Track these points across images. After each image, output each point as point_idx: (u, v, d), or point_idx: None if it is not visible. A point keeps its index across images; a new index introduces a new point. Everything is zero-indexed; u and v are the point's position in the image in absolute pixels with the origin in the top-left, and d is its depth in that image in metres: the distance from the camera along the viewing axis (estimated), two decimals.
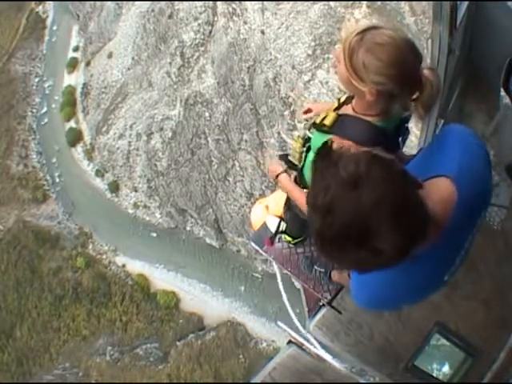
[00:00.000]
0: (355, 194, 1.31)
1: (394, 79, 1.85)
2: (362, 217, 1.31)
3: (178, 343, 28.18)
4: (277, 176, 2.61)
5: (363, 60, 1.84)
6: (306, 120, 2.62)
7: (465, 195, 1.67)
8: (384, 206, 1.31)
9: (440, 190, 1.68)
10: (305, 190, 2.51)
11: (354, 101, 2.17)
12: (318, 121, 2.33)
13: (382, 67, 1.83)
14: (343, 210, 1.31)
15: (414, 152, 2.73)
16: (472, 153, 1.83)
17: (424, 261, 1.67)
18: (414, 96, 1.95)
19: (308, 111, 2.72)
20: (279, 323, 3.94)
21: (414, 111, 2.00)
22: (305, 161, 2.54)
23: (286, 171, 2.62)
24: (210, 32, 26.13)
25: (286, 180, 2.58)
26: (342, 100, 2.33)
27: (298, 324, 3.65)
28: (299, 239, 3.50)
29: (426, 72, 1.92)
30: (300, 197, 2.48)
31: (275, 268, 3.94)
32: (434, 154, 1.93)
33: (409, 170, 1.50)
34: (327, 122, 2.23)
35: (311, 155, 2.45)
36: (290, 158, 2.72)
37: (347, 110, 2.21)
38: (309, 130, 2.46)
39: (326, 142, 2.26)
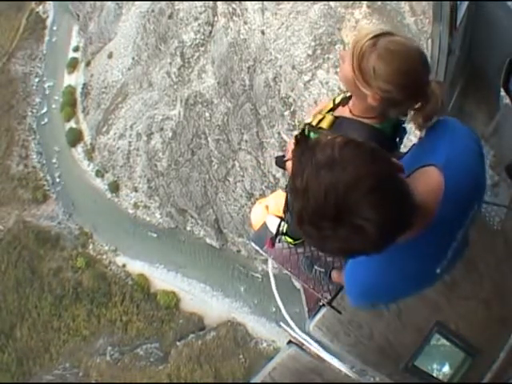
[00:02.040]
0: (329, 174, 1.34)
1: (402, 88, 1.84)
2: (336, 195, 1.32)
3: (178, 343, 28.20)
4: (286, 160, 2.55)
5: (374, 66, 1.82)
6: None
7: (453, 184, 1.68)
8: (359, 185, 1.33)
9: (427, 179, 1.69)
10: None
11: (351, 102, 2.15)
12: (314, 123, 2.31)
13: (392, 76, 1.81)
14: (317, 190, 1.33)
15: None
16: (462, 143, 1.84)
17: (414, 249, 1.68)
18: (417, 106, 1.94)
19: None
20: (281, 324, 3.95)
21: (413, 120, 1.99)
22: None
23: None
24: (210, 32, 26.14)
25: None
26: (338, 101, 2.31)
27: (292, 324, 3.66)
28: (300, 240, 3.51)
29: (433, 84, 1.91)
30: None
31: (269, 268, 3.94)
32: (425, 145, 1.94)
33: (401, 160, 1.51)
34: (324, 124, 2.22)
35: None
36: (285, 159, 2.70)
37: (344, 112, 2.20)
38: (303, 130, 2.45)
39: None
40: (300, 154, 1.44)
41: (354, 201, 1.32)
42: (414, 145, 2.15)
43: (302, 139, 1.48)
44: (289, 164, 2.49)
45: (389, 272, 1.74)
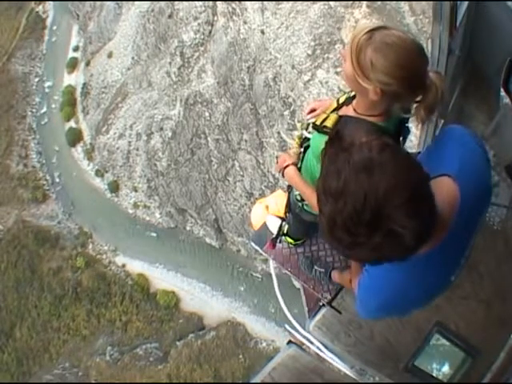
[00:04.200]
0: (368, 178, 1.30)
1: (401, 80, 1.84)
2: (376, 200, 1.29)
3: (177, 343, 28.20)
4: (285, 167, 2.53)
5: (371, 59, 1.83)
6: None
7: (467, 193, 1.68)
8: (399, 191, 1.30)
9: (443, 189, 1.68)
10: None
11: (355, 101, 2.16)
12: (318, 122, 2.31)
13: (390, 67, 1.82)
14: (356, 194, 1.30)
15: (413, 151, 2.72)
16: (471, 151, 1.84)
17: (432, 260, 1.67)
18: (418, 98, 1.94)
19: (312, 111, 2.61)
20: (286, 326, 3.96)
21: (415, 114, 1.99)
22: (302, 161, 2.51)
23: (294, 163, 2.54)
24: (210, 32, 26.13)
25: (294, 172, 2.51)
26: (342, 101, 2.32)
27: (296, 324, 3.66)
28: (300, 241, 3.51)
29: (432, 75, 1.91)
30: (307, 189, 2.41)
31: (271, 268, 3.94)
32: (434, 155, 1.93)
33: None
34: (329, 123, 2.21)
35: (309, 155, 2.43)
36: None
37: (348, 111, 2.19)
38: (306, 129, 2.44)
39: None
40: (334, 154, 1.40)
41: (392, 207, 1.29)
42: (419, 152, 2.14)
43: (337, 138, 1.45)
44: (289, 171, 2.51)
45: (409, 285, 1.74)
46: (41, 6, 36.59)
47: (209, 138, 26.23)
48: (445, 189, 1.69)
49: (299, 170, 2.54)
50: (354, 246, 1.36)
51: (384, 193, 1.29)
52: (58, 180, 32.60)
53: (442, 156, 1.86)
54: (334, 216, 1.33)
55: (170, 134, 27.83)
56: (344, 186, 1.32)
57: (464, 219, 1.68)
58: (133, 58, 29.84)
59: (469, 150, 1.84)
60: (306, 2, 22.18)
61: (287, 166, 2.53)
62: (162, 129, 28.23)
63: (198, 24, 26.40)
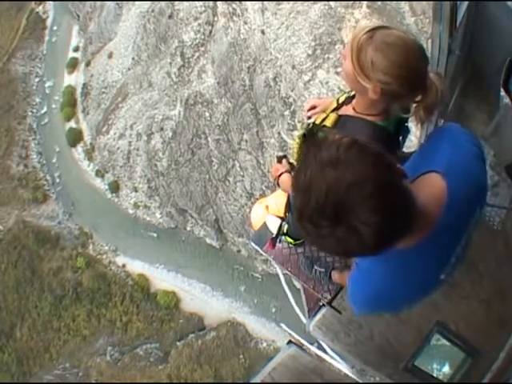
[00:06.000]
0: (332, 173, 1.34)
1: (400, 80, 1.85)
2: (337, 194, 1.33)
3: (178, 343, 28.18)
4: (279, 175, 2.59)
5: (371, 58, 1.84)
6: (309, 117, 2.57)
7: (456, 190, 1.68)
8: (361, 187, 1.33)
9: (430, 185, 1.69)
10: None
11: (354, 100, 2.17)
12: (317, 122, 2.32)
13: (390, 67, 1.83)
14: (319, 188, 1.34)
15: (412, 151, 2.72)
16: (463, 149, 1.84)
17: (417, 255, 1.68)
18: (417, 99, 1.95)
19: (312, 108, 2.63)
20: (282, 325, 3.96)
21: (415, 114, 2.00)
22: None
23: (287, 171, 2.58)
24: (210, 32, 26.13)
25: (288, 179, 2.54)
26: (341, 100, 2.32)
27: (304, 319, 3.65)
28: (300, 241, 3.51)
29: (432, 76, 1.92)
30: None
31: (277, 268, 3.94)
32: (426, 152, 1.94)
33: (403, 167, 1.51)
34: (328, 123, 2.22)
35: None
36: (287, 159, 2.71)
37: (347, 110, 2.20)
38: (311, 129, 2.45)
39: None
40: (305, 151, 1.45)
41: (353, 202, 1.33)
42: (415, 151, 2.15)
43: (309, 136, 1.49)
44: (283, 179, 2.56)
45: (393, 280, 1.74)
46: (41, 7, 36.58)
47: (209, 139, 26.24)
48: (431, 185, 1.70)
49: None
50: (320, 238, 1.41)
51: (345, 187, 1.33)
52: (58, 180, 32.59)
53: (434, 152, 1.86)
54: (302, 209, 1.39)
55: (170, 135, 27.84)
56: (310, 180, 1.37)
57: (453, 216, 1.67)
58: (133, 58, 29.84)
59: (462, 148, 1.84)
60: (306, 3, 22.19)
61: (281, 175, 2.58)
62: (162, 129, 28.24)
63: (199, 24, 26.41)
